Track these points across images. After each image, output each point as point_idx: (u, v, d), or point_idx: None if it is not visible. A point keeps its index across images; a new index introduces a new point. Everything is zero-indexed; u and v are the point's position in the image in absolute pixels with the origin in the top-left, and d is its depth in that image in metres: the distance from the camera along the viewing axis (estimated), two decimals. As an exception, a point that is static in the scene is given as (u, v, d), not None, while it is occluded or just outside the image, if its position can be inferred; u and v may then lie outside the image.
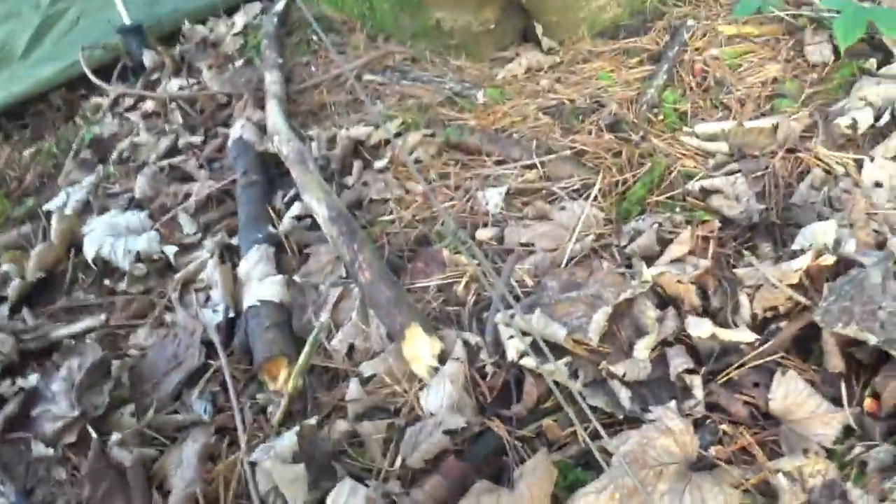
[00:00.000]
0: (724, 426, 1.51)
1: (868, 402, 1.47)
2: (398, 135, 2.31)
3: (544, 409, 1.64)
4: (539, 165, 2.14)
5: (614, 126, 2.23)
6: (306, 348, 1.74)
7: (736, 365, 1.57)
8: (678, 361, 1.57)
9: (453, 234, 1.64)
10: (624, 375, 1.57)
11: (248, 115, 2.55)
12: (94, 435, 1.75)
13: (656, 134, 2.18)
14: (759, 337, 1.59)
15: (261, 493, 1.57)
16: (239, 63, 2.96)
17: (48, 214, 2.44)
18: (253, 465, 1.61)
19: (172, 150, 2.61)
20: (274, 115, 2.45)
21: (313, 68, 2.79)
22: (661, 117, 2.24)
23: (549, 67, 2.59)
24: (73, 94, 3.24)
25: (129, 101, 2.99)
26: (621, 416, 1.56)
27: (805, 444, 1.44)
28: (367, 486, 1.49)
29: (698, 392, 1.53)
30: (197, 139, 2.62)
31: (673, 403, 1.52)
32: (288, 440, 1.57)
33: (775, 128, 2.06)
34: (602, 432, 1.39)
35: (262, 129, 2.51)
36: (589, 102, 2.34)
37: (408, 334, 1.72)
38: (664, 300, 1.74)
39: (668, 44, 2.51)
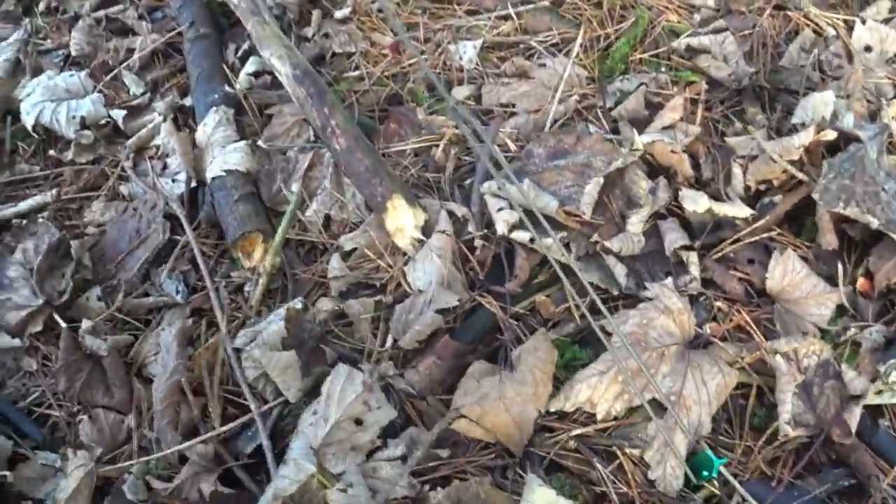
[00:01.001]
0: (718, 303, 1.42)
1: (861, 282, 1.39)
2: (357, -20, 1.99)
3: (536, 283, 1.49)
4: (514, 17, 1.88)
5: (592, -27, 1.95)
6: (282, 224, 1.55)
7: (730, 240, 1.44)
8: (674, 237, 1.44)
9: (451, 102, 1.41)
10: (619, 251, 1.42)
11: (187, -43, 2.15)
12: (63, 324, 1.54)
13: (637, -17, 1.92)
14: (753, 212, 1.45)
15: (248, 380, 1.41)
16: None
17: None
18: (237, 350, 1.44)
19: (108, 0, 2.21)
20: (218, -43, 2.07)
21: None
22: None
23: None
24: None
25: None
26: (616, 293, 1.43)
27: (800, 323, 1.35)
28: (361, 370, 1.34)
29: (695, 269, 1.42)
30: (132, -15, 2.22)
31: (669, 280, 1.39)
32: (275, 326, 1.40)
33: (764, -20, 1.84)
34: (603, 310, 1.27)
35: (204, -29, 2.12)
36: (563, -55, 2.03)
37: (389, 206, 1.53)
38: (654, 168, 1.57)
39: None
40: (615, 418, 1.30)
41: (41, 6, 2.30)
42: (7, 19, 2.33)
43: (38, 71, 2.11)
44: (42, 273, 1.64)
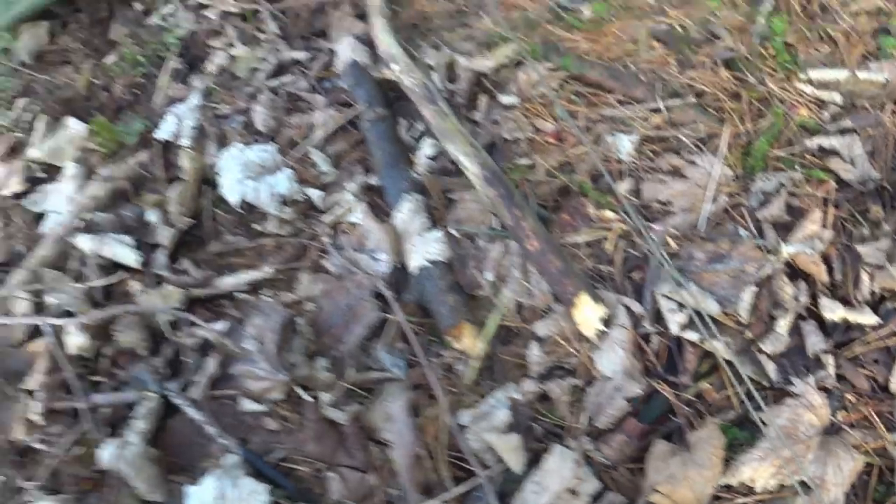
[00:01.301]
0: (848, 395, 1.95)
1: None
2: (519, 63, 2.42)
3: (699, 371, 2.02)
4: (664, 110, 2.32)
5: (730, 62, 2.39)
6: (493, 318, 2.08)
7: (859, 341, 1.96)
8: (814, 340, 1.97)
9: (622, 203, 1.90)
10: (771, 352, 1.95)
11: (349, 28, 2.57)
12: (308, 398, 2.08)
13: (770, 73, 2.38)
14: (880, 320, 1.96)
15: (472, 450, 1.96)
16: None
17: (166, 145, 2.53)
18: (461, 425, 1.98)
19: (279, 69, 2.63)
20: (384, 37, 2.52)
21: (400, -36, 2.76)
22: (772, 52, 2.40)
23: (649, -30, 2.65)
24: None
25: (199, -7, 2.91)
26: (767, 384, 1.97)
27: (916, 417, 1.89)
28: (569, 448, 1.89)
29: (831, 368, 1.96)
30: (300, 55, 2.67)
31: (812, 378, 1.92)
32: (502, 414, 1.96)
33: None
34: (761, 404, 1.81)
35: (369, 45, 2.55)
36: (700, 29, 2.47)
37: (577, 301, 2.05)
38: (794, 270, 2.08)
39: (772, -47, 2.58)
40: (769, 492, 1.86)
41: (210, 67, 2.72)
42: (176, 78, 2.76)
43: (222, 139, 2.58)
44: (277, 349, 2.16)
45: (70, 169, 2.68)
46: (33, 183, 2.73)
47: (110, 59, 2.89)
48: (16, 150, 2.85)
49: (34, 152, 2.73)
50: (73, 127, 2.75)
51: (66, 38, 3.11)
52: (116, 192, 2.58)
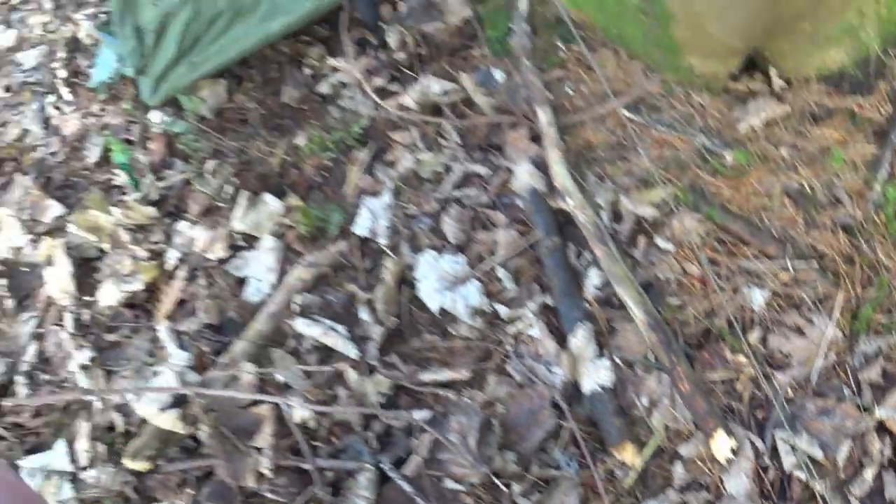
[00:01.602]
0: (912, 529, 2.84)
1: None
2: (671, 211, 3.09)
3: (802, 498, 2.87)
4: (791, 269, 3.04)
5: (847, 227, 3.10)
6: (652, 442, 2.87)
7: (925, 488, 2.84)
8: (892, 490, 2.81)
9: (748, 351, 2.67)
10: (858, 496, 2.80)
11: (525, 150, 3.18)
12: (503, 487, 2.87)
13: (880, 241, 3.09)
14: (945, 475, 2.84)
15: (629, 542, 2.82)
16: (498, 75, 3.37)
17: (363, 239, 3.18)
18: (622, 523, 2.82)
19: (463, 180, 3.23)
20: (559, 169, 3.18)
21: (568, 90, 3.30)
22: (883, 219, 3.11)
23: (782, 119, 3.27)
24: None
25: (376, 80, 3.41)
26: (852, 515, 2.85)
27: (959, 551, 2.79)
28: (704, 552, 2.77)
29: (902, 509, 2.82)
30: (479, 169, 3.27)
31: (887, 516, 2.80)
32: (656, 523, 2.78)
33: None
34: None
35: (544, 170, 3.17)
36: (825, 190, 3.16)
37: (714, 434, 2.84)
38: (882, 427, 2.89)
39: (891, 119, 3.22)
40: None
41: (395, 162, 3.29)
42: (363, 167, 3.33)
43: (413, 240, 3.23)
44: (477, 444, 2.92)
45: (268, 241, 3.34)
46: (234, 249, 3.34)
47: (300, 140, 3.45)
48: (210, 212, 3.44)
49: (238, 224, 3.35)
50: (271, 203, 3.39)
51: (242, 97, 3.66)
52: (319, 277, 3.22)
